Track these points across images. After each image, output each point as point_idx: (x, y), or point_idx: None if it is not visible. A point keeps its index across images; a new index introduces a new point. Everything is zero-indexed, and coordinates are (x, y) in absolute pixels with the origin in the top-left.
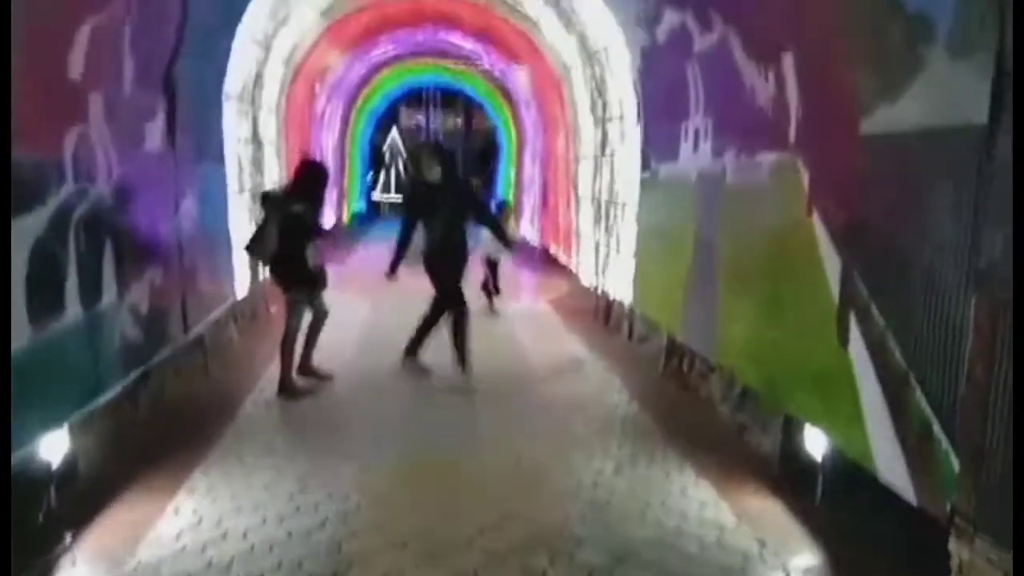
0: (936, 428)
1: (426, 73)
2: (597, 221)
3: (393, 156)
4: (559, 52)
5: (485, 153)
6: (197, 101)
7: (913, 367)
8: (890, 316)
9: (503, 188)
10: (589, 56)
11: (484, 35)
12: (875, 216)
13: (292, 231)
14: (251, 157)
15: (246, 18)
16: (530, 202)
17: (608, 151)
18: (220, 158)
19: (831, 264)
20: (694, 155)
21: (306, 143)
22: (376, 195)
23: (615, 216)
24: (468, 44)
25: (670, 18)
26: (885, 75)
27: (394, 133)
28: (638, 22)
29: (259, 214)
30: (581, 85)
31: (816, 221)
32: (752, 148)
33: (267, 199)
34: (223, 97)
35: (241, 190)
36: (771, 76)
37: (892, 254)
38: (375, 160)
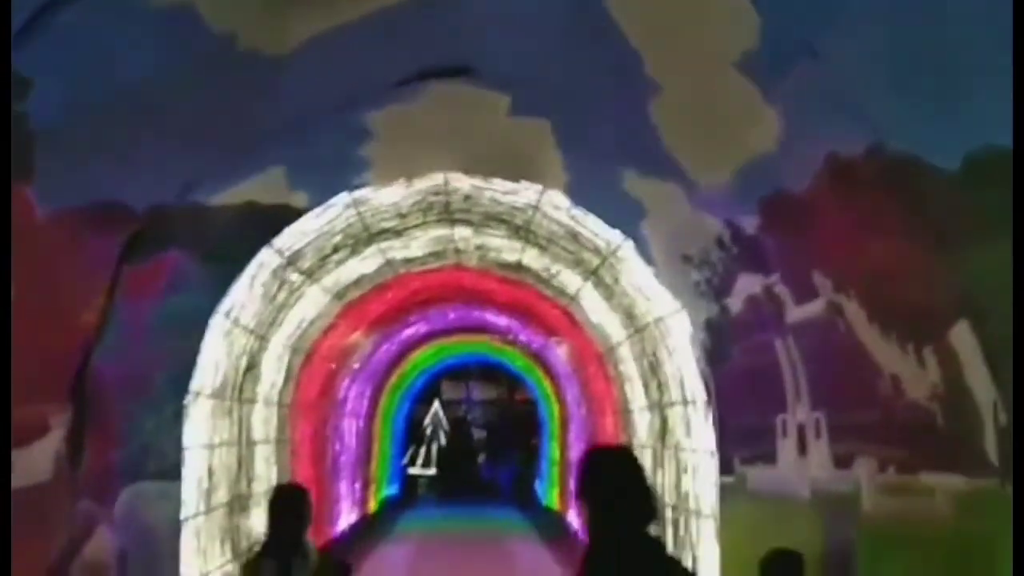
0: None
1: (464, 349)
2: (662, 530)
3: (435, 430)
4: (602, 326)
5: (525, 430)
6: (136, 405)
7: None
8: None
9: (547, 468)
10: (638, 330)
11: (518, 310)
12: None
13: None
14: (231, 463)
15: (227, 303)
16: None
17: (671, 442)
18: (172, 473)
19: None
20: (801, 460)
21: (321, 433)
22: (413, 470)
23: (686, 528)
24: (503, 320)
25: (747, 284)
26: None
27: (436, 406)
28: (700, 291)
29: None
30: (630, 362)
31: None
32: (909, 464)
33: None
34: (187, 396)
35: (208, 509)
36: (931, 359)
37: None
38: (413, 435)
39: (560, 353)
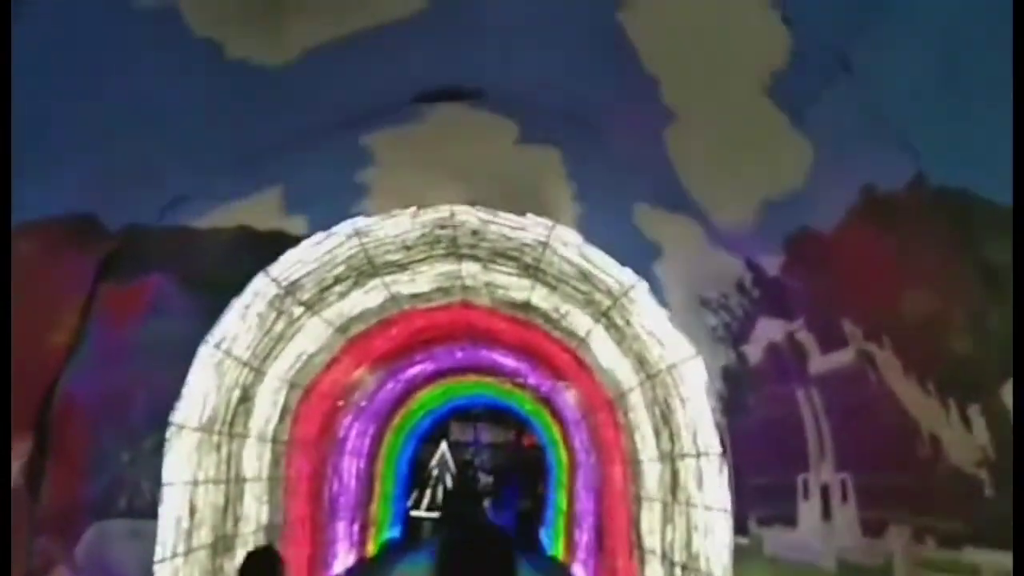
0: None
1: (471, 390)
2: None
3: (441, 472)
4: (612, 371)
5: (532, 475)
6: (109, 436)
7: None
8: None
9: (553, 516)
10: (650, 376)
11: (527, 352)
12: None
13: None
14: (218, 502)
15: (219, 333)
16: (584, 541)
17: (682, 497)
18: (148, 510)
19: None
20: (826, 525)
21: (319, 472)
22: (417, 512)
23: None
24: (510, 361)
25: (768, 330)
26: None
27: (443, 448)
28: (717, 336)
29: None
30: (640, 409)
31: None
32: (951, 536)
33: None
34: (169, 429)
35: (189, 550)
36: (979, 419)
37: None
38: (419, 478)
39: (569, 398)
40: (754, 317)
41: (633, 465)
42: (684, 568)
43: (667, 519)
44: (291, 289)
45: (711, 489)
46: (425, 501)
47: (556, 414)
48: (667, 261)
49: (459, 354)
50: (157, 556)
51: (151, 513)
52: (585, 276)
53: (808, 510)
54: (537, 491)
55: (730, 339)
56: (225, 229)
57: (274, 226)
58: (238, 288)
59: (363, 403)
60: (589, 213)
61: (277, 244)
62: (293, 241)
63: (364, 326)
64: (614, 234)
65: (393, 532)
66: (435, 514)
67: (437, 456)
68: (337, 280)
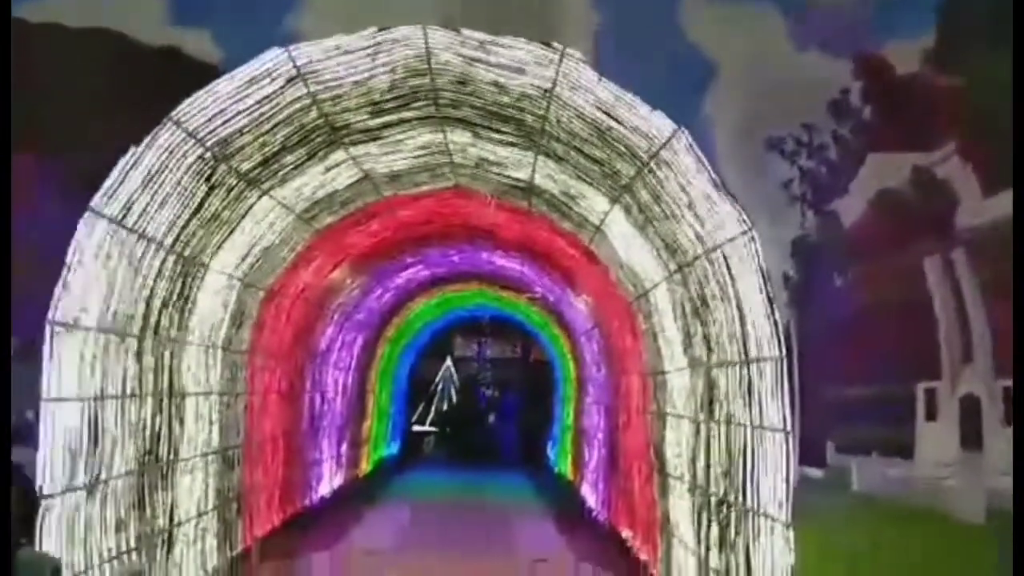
0: None
1: (473, 300)
2: (700, 522)
3: (445, 387)
4: (630, 266)
5: (539, 390)
6: None
7: None
8: None
9: (560, 432)
10: (681, 267)
11: (531, 252)
12: None
13: None
14: (142, 421)
15: (117, 203)
16: (593, 459)
17: (721, 414)
18: (17, 435)
19: None
20: (969, 456)
21: (296, 387)
22: (420, 428)
23: (742, 526)
24: (514, 265)
25: (880, 169)
26: None
27: (448, 363)
28: (791, 195)
29: None
30: (667, 309)
31: None
32: None
33: None
34: (45, 327)
35: (96, 481)
36: None
37: None
38: (422, 392)
39: (579, 305)
40: (857, 153)
41: (654, 376)
42: (722, 502)
43: (700, 442)
44: (220, 154)
45: (765, 405)
46: (429, 417)
47: (565, 326)
48: (724, 88)
49: (456, 257)
50: (44, 491)
51: (21, 437)
52: (602, 135)
53: (935, 434)
54: (544, 406)
55: (811, 195)
56: (78, 31)
57: (164, 41)
58: (129, 136)
59: (345, 310)
60: (612, 25)
61: (176, 71)
62: (202, 71)
63: (335, 217)
64: (647, 57)
65: (391, 449)
66: (438, 430)
67: (441, 371)
68: (285, 146)
